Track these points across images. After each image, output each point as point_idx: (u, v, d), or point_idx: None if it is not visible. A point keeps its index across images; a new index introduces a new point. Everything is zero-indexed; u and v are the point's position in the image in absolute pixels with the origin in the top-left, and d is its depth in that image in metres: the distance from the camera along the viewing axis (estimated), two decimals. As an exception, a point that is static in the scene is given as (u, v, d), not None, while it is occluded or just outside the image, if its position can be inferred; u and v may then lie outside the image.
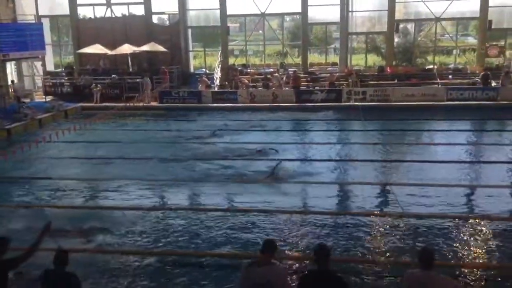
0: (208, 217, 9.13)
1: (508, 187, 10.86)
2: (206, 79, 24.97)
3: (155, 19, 28.39)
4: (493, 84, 22.51)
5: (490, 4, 24.30)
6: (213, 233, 8.38)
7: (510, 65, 25.17)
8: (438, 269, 4.83)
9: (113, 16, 28.15)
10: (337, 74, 25.17)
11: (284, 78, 24.56)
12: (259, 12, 26.83)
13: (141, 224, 8.87)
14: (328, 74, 25.21)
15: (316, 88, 24.09)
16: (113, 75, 25.68)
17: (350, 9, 25.81)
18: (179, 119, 20.77)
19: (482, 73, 23.02)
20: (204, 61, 29.39)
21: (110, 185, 11.43)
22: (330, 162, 12.93)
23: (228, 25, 27.27)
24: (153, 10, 27.76)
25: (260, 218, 8.99)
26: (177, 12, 27.59)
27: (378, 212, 9.25)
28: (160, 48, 26.12)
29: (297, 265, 7.22)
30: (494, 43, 25.47)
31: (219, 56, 27.46)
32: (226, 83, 25.35)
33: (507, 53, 25.75)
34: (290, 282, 5.39)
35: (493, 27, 24.54)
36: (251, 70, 27.08)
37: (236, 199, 10.40)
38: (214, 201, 10.20)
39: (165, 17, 29.03)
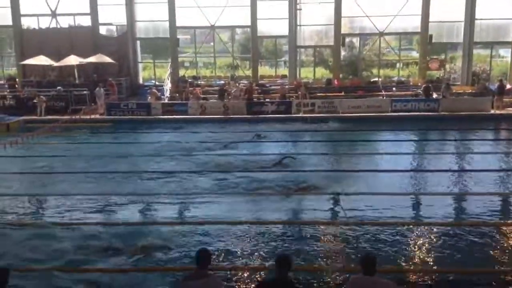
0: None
1: (448, 194, 11.25)
2: (155, 91, 24.66)
3: (102, 30, 27.84)
4: (435, 95, 23.55)
5: (430, 19, 25.48)
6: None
7: (450, 77, 26.49)
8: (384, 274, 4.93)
9: (59, 26, 27.39)
10: (287, 86, 25.57)
11: (234, 91, 24.65)
12: (209, 25, 26.90)
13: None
14: (279, 87, 25.59)
15: (267, 100, 24.34)
16: (58, 87, 24.89)
17: (298, 23, 26.34)
18: (127, 132, 20.30)
19: (424, 85, 24.02)
20: (154, 73, 29.08)
21: (50, 201, 11.02)
22: (279, 172, 12.97)
23: (179, 36, 27.16)
24: (100, 21, 27.23)
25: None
26: (125, 24, 27.21)
27: (325, 221, 9.37)
28: (108, 60, 25.58)
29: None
30: (435, 57, 26.71)
31: (169, 67, 27.25)
32: (177, 94, 25.15)
33: (447, 66, 27.06)
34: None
35: (433, 41, 25.74)
36: (202, 82, 27.02)
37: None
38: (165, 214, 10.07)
39: (114, 28, 28.52)
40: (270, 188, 11.48)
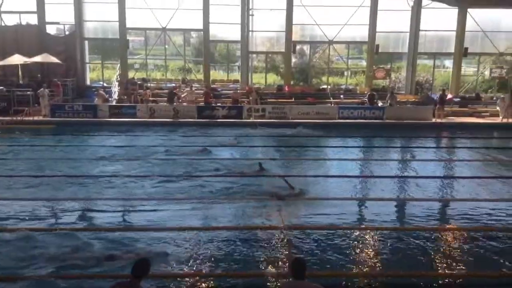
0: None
1: (393, 200, 11.58)
2: (103, 93, 24.12)
3: (50, 29, 26.98)
4: (380, 104, 24.31)
5: (378, 30, 26.34)
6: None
7: (395, 86, 27.45)
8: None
9: (3, 24, 26.34)
10: (239, 91, 25.68)
11: (185, 95, 24.52)
12: (160, 27, 26.63)
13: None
14: (231, 91, 25.66)
15: (218, 104, 24.33)
16: (0, 87, 23.88)
17: (250, 29, 26.54)
18: (71, 134, 19.70)
19: (368, 93, 24.76)
20: (102, 74, 28.44)
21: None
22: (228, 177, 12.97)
23: (132, 38, 26.73)
24: (48, 19, 26.40)
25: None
26: (73, 23, 26.51)
27: (264, 226, 9.43)
28: (54, 60, 24.79)
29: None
30: (381, 66, 27.61)
31: (117, 69, 26.73)
32: (125, 97, 24.70)
33: (392, 75, 28.03)
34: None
35: (380, 51, 26.61)
36: (152, 85, 26.68)
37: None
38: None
39: (62, 27, 27.69)
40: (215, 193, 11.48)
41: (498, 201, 11.15)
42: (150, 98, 24.40)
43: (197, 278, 7.32)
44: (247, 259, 7.94)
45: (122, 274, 6.80)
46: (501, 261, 7.95)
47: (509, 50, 27.15)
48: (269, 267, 7.66)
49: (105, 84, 27.06)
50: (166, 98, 24.06)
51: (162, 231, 9.01)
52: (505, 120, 23.23)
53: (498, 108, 23.88)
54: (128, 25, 26.46)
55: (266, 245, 8.49)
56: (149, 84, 26.57)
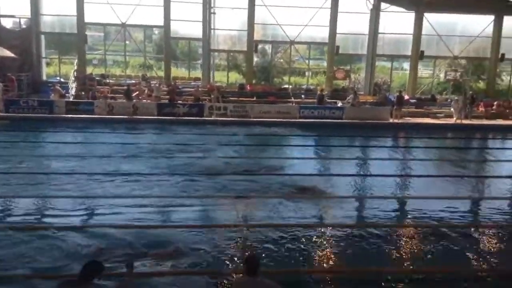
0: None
1: (346, 197, 11.74)
2: (59, 88, 23.48)
3: (5, 22, 26.02)
4: (339, 104, 24.72)
5: (338, 31, 26.77)
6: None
7: (355, 86, 28.00)
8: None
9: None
10: (201, 89, 25.54)
11: (146, 91, 24.19)
12: (120, 22, 26.15)
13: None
14: (193, 89, 25.49)
15: (179, 102, 24.12)
16: (-49, 81, 22.92)
17: (212, 27, 26.44)
18: (26, 130, 19.09)
19: (318, 94, 25.01)
20: (59, 69, 27.65)
21: None
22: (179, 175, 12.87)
23: (90, 33, 26.12)
24: (2, 12, 25.48)
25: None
26: (29, 16, 25.67)
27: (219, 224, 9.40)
28: (9, 54, 23.96)
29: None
30: (341, 67, 28.10)
31: (75, 64, 26.06)
32: (82, 93, 24.11)
33: (352, 76, 28.58)
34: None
35: (340, 52, 27.06)
36: (111, 81, 26.16)
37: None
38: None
39: (17, 20, 26.75)
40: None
41: (448, 199, 11.52)
42: (109, 95, 23.91)
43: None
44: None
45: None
46: (453, 256, 8.24)
47: (463, 53, 28.15)
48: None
49: (62, 80, 26.32)
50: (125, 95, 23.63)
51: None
52: (458, 121, 24.07)
53: (452, 109, 24.71)
54: (87, 20, 25.81)
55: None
56: (108, 80, 26.03)
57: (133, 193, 11.13)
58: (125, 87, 24.07)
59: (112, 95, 24.10)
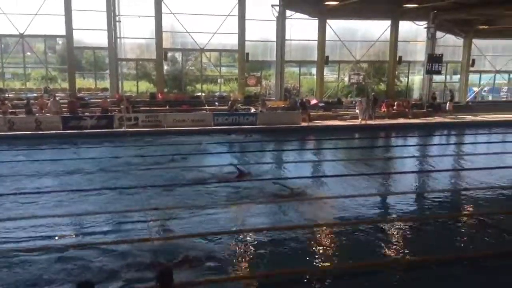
0: None
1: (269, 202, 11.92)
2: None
3: None
4: (252, 110, 25.11)
5: (247, 38, 27.15)
6: None
7: (267, 93, 28.59)
8: None
9: None
10: (109, 100, 24.64)
11: (49, 104, 22.84)
12: (17, 33, 24.51)
13: None
14: (101, 100, 24.52)
15: (86, 114, 23.08)
16: None
17: (118, 35, 25.64)
18: None
19: (230, 102, 25.43)
20: (-50, 84, 25.27)
21: None
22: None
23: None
24: None
25: None
26: None
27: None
28: None
29: None
30: (252, 74, 28.54)
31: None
32: (-22, 109, 22.25)
33: (263, 82, 29.15)
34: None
35: (250, 59, 27.45)
36: (10, 95, 24.41)
37: None
38: None
39: None
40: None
41: (357, 197, 12.12)
42: (10, 110, 22.28)
43: None
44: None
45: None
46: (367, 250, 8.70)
47: (365, 57, 29.84)
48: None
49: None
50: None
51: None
52: (363, 122, 25.43)
53: (357, 111, 26.06)
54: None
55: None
56: (7, 95, 24.26)
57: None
58: (25, 101, 22.58)
59: (13, 110, 22.47)
